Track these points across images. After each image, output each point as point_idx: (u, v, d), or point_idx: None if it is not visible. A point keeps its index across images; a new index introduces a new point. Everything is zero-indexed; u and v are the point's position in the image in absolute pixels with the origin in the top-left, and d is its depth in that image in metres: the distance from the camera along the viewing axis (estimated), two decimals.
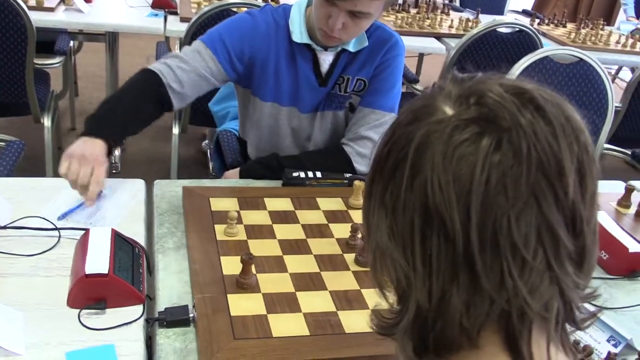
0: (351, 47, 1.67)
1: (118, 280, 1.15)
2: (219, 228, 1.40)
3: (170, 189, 1.58)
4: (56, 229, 1.34)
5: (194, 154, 3.47)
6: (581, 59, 2.44)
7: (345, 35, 1.59)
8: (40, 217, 1.38)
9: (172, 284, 1.24)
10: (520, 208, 0.55)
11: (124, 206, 1.48)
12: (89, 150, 1.40)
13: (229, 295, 1.20)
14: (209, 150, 3.45)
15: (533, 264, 0.55)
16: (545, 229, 0.55)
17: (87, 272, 1.13)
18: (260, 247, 1.36)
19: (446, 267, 0.57)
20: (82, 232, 1.32)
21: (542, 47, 2.81)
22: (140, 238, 1.37)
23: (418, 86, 3.21)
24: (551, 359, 0.59)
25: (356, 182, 1.57)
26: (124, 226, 1.40)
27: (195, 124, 2.83)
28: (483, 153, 0.55)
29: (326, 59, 1.68)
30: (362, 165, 1.71)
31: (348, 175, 1.68)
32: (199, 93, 1.66)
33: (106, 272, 1.14)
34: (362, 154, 1.71)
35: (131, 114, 1.53)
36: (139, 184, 1.59)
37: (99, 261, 1.16)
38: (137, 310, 1.17)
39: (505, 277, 0.55)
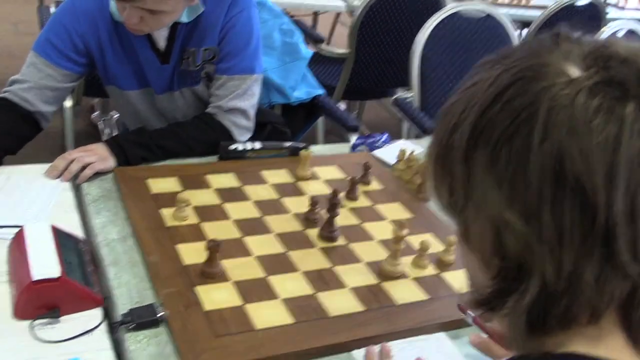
0: (185, 18, 1.51)
1: (71, 284, 1.01)
2: (167, 212, 1.27)
3: (96, 173, 1.41)
4: None
5: (84, 128, 3.21)
6: (489, 15, 2.47)
7: (147, 27, 1.45)
8: None
9: (127, 280, 1.11)
10: None
11: (49, 196, 1.31)
12: None
13: (197, 288, 1.09)
14: (101, 122, 3.22)
15: None
16: None
17: (34, 278, 0.98)
18: (215, 230, 1.25)
19: (581, 239, 0.52)
20: (12, 230, 1.15)
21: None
22: (77, 231, 1.22)
23: (328, 46, 3.12)
24: None
25: (303, 152, 1.49)
26: (55, 219, 1.23)
27: (90, 94, 2.59)
28: (630, 119, 0.51)
29: (160, 35, 1.52)
30: (240, 136, 1.60)
31: (287, 144, 1.59)
32: (60, 100, 1.56)
33: (57, 275, 0.99)
34: (237, 124, 1.60)
35: (5, 135, 1.43)
36: None
37: (46, 264, 1.01)
38: (95, 314, 1.03)
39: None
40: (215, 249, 1.10)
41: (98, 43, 1.50)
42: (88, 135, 3.13)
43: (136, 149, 1.45)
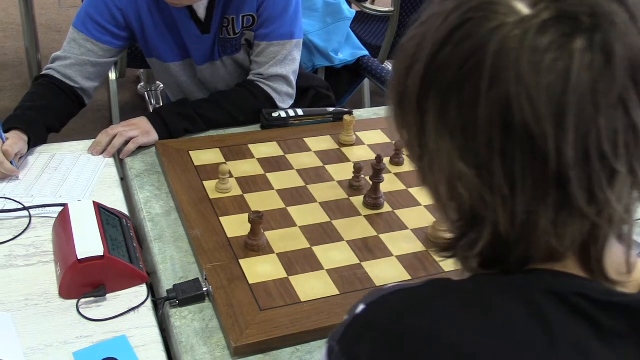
0: None
1: (116, 261, 1.01)
2: (209, 185, 1.26)
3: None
4: (25, 208, 1.17)
5: (130, 99, 3.24)
6: None
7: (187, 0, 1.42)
8: (1, 197, 1.20)
9: (172, 255, 1.11)
10: (609, 114, 0.49)
11: (93, 172, 1.31)
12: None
13: (241, 261, 1.08)
14: (146, 94, 3.24)
15: (620, 171, 0.51)
16: (631, 132, 0.50)
17: (80, 257, 0.98)
18: (259, 201, 1.23)
19: (533, 186, 0.51)
20: (56, 209, 1.16)
21: None
22: (121, 207, 1.22)
23: (371, 5, 3.04)
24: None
25: (346, 117, 1.45)
26: (99, 196, 1.24)
27: (133, 66, 2.60)
28: (578, 57, 0.48)
29: (200, 4, 1.49)
30: (282, 103, 1.57)
31: (331, 109, 1.56)
32: (102, 76, 1.54)
33: (102, 253, 0.99)
34: (278, 91, 1.57)
35: (49, 113, 1.42)
36: None
37: (90, 242, 1.01)
38: (141, 291, 1.04)
39: (596, 191, 0.51)
40: (259, 221, 1.09)
41: (138, 16, 1.49)
42: (135, 107, 3.16)
43: (179, 121, 1.44)
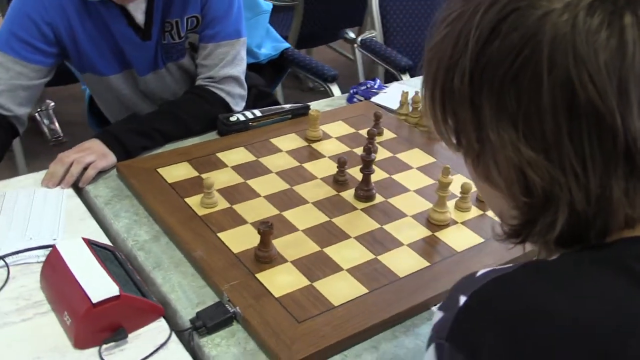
0: None
1: (132, 299, 0.94)
2: (192, 201, 1.20)
3: None
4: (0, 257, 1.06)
5: None
6: None
7: None
8: None
9: (179, 282, 1.05)
10: None
11: (56, 207, 1.21)
12: None
13: (258, 276, 1.04)
14: (37, 114, 3.03)
15: None
16: None
17: (94, 300, 0.90)
18: (250, 211, 1.19)
19: (603, 161, 0.54)
20: (35, 252, 1.07)
21: None
22: (100, 239, 1.13)
23: None
24: None
25: (312, 113, 1.43)
26: (72, 231, 1.15)
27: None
28: (629, 31, 0.51)
29: (137, 8, 1.41)
30: (236, 105, 1.54)
31: (287, 107, 1.53)
32: (33, 100, 1.42)
33: (117, 293, 0.92)
34: (232, 94, 1.53)
35: None
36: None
37: (100, 283, 0.93)
38: (160, 326, 0.97)
39: None
40: (269, 231, 1.05)
41: (69, 28, 1.38)
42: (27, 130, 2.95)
43: (135, 139, 1.35)
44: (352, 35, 3.16)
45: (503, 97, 0.55)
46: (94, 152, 1.30)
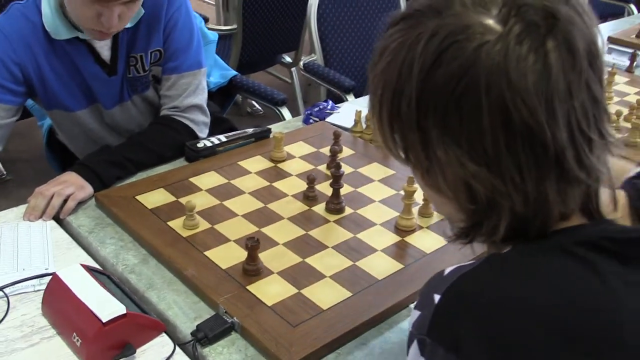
0: (129, 23, 1.48)
1: (137, 316, 1.01)
2: (174, 224, 1.28)
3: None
4: None
5: None
6: None
7: (122, 24, 1.41)
8: None
9: (174, 300, 1.12)
10: (580, 96, 0.63)
11: (42, 238, 1.26)
12: None
13: (249, 288, 1.12)
14: None
15: (594, 138, 0.65)
16: (594, 105, 0.65)
17: (104, 320, 0.97)
18: (231, 229, 1.27)
19: (537, 169, 0.62)
20: (31, 282, 1.12)
21: None
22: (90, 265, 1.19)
23: (214, 25, 3.09)
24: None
25: (276, 135, 1.52)
26: (63, 260, 1.21)
27: None
28: (552, 55, 0.61)
29: (104, 45, 1.49)
30: (201, 132, 1.62)
31: (250, 131, 1.62)
32: (4, 140, 1.47)
33: (124, 311, 0.99)
34: (196, 121, 1.62)
35: None
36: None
37: (106, 303, 1.00)
38: (162, 341, 1.04)
39: (583, 159, 0.64)
40: (256, 246, 1.13)
41: (36, 67, 1.44)
42: None
43: (109, 169, 1.41)
44: (288, 59, 3.28)
45: (448, 119, 0.63)
46: (72, 184, 1.35)
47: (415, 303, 0.70)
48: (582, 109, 0.63)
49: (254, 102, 3.55)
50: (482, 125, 0.61)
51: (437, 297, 0.65)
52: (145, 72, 1.55)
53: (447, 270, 0.68)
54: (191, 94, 1.58)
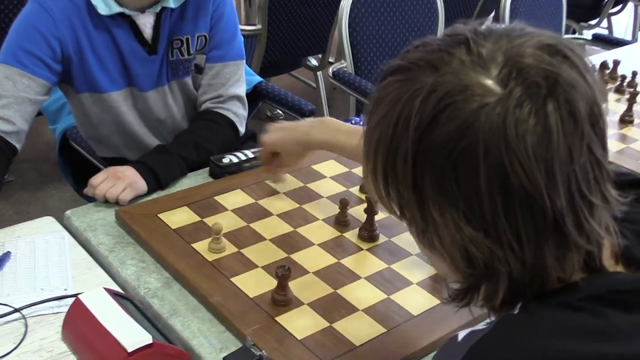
0: (172, 3, 1.60)
1: (163, 346, 1.06)
2: (199, 247, 1.32)
3: (90, 218, 1.42)
4: (16, 310, 1.15)
5: None
6: None
7: None
8: None
9: (199, 328, 1.16)
10: (582, 159, 0.66)
11: (60, 255, 1.31)
12: None
13: (277, 319, 1.16)
14: None
15: (596, 202, 0.68)
16: (596, 168, 0.67)
17: (129, 349, 1.01)
18: (259, 255, 1.32)
19: (536, 234, 0.65)
20: (49, 305, 1.17)
21: None
22: (111, 288, 1.24)
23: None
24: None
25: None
26: (83, 281, 1.25)
27: None
28: (553, 118, 0.63)
29: (147, 23, 1.61)
30: (241, 126, 1.75)
31: None
32: (33, 117, 1.56)
33: (150, 341, 1.03)
34: (238, 114, 1.75)
35: None
36: (48, 223, 1.41)
37: (131, 332, 1.04)
38: None
39: (583, 224, 0.67)
40: (287, 275, 1.18)
41: (75, 43, 1.53)
42: None
43: (168, 170, 1.51)
44: (314, 62, 3.33)
45: (444, 180, 0.66)
46: (126, 179, 1.45)
47: None
48: (583, 173, 0.65)
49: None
50: (479, 189, 0.64)
51: None
52: (190, 56, 1.65)
53: (460, 336, 0.71)
54: (234, 83, 1.69)
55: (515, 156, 0.63)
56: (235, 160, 1.59)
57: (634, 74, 2.24)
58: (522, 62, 0.65)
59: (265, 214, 1.44)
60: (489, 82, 0.65)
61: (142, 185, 1.46)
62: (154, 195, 1.51)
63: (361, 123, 1.81)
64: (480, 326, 0.71)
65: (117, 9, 1.54)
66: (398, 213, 0.73)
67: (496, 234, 0.65)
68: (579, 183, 0.65)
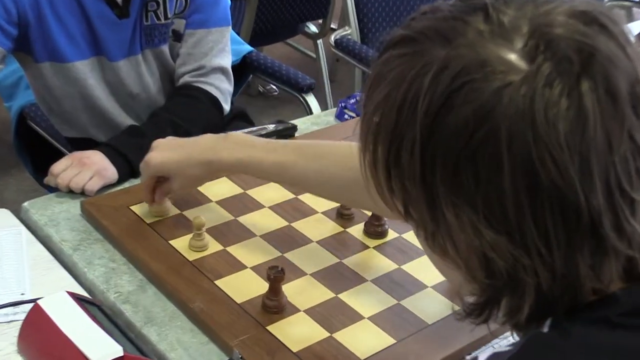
0: None
1: (136, 359, 1.05)
2: (178, 244, 1.32)
3: (52, 210, 1.42)
4: None
5: None
6: None
7: None
8: None
9: (178, 339, 1.16)
10: (623, 149, 0.64)
11: (17, 253, 1.31)
12: None
13: (269, 328, 1.16)
14: None
15: (638, 199, 0.65)
16: (639, 158, 0.65)
17: None
18: (248, 254, 1.32)
19: (568, 238, 0.63)
20: (5, 311, 1.17)
21: None
22: (75, 291, 1.24)
23: None
24: None
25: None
26: (43, 282, 1.25)
27: None
28: (589, 99, 0.61)
29: None
30: (226, 103, 1.74)
31: (271, 126, 1.66)
32: None
33: (121, 353, 1.03)
34: (222, 89, 1.74)
35: None
36: (2, 217, 1.40)
37: (98, 343, 1.05)
38: None
39: (624, 225, 0.65)
40: (280, 277, 1.17)
41: (36, 6, 1.52)
42: None
43: (141, 154, 1.48)
44: (314, 29, 3.32)
45: (459, 175, 0.63)
46: (93, 167, 1.45)
47: None
48: (623, 165, 0.63)
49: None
50: (501, 185, 0.62)
51: None
52: (167, 20, 1.65)
53: (481, 358, 0.70)
54: (218, 53, 1.69)
55: (545, 146, 0.61)
56: None
57: None
58: (552, 32, 0.63)
59: (256, 206, 1.44)
60: (513, 57, 0.62)
61: (111, 172, 1.46)
62: (126, 184, 1.51)
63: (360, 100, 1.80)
64: (504, 347, 0.69)
65: None
66: (403, 212, 0.71)
67: (521, 239, 0.63)
68: (618, 177, 0.63)
